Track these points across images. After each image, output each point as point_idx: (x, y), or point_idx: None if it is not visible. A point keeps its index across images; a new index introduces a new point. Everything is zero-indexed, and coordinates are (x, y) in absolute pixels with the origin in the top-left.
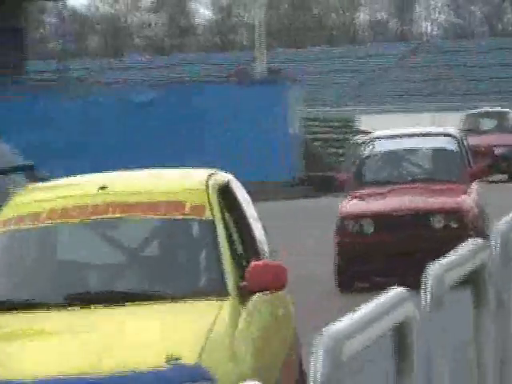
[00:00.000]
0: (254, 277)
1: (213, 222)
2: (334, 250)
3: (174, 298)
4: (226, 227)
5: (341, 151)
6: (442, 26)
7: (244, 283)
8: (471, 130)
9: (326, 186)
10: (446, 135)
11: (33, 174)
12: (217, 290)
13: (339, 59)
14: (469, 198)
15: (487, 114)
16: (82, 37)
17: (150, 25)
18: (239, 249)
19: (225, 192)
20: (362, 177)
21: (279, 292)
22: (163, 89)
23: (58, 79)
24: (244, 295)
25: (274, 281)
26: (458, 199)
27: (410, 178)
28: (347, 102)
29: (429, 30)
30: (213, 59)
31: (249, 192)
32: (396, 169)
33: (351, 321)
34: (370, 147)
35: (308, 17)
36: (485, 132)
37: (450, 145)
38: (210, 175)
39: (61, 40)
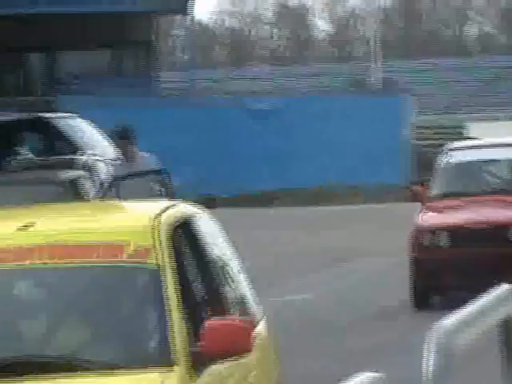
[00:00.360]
0: (209, 339)
1: (158, 270)
2: (409, 264)
3: (103, 368)
4: (180, 276)
5: None
6: None
7: (199, 348)
8: None
9: None
10: None
11: (161, 178)
12: (160, 358)
13: (450, 70)
14: None
15: None
16: (208, 48)
17: (272, 37)
18: (197, 303)
19: (183, 231)
20: (438, 188)
21: (254, 355)
22: (284, 98)
23: (185, 88)
24: (199, 363)
25: (233, 344)
26: None
27: (488, 190)
28: (457, 110)
29: None
30: (330, 71)
31: (362, 195)
32: (474, 180)
33: (460, 316)
34: (447, 158)
35: (420, 30)
36: None
37: None
38: (163, 210)
39: (188, 52)
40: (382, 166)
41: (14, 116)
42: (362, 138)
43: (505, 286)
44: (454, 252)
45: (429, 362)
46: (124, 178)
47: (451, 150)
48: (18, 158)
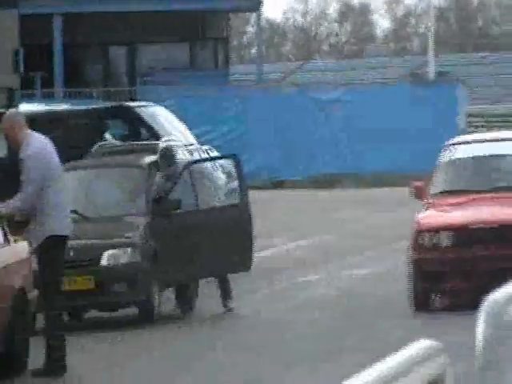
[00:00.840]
0: None
1: None
2: (408, 265)
3: None
4: None
5: None
6: None
7: None
8: None
9: None
10: None
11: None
12: None
13: (501, 63)
14: None
15: None
16: (277, 43)
17: (336, 34)
18: None
19: None
20: (440, 185)
21: None
22: (346, 89)
23: (256, 80)
24: None
25: None
26: None
27: (493, 187)
28: (508, 100)
29: None
30: (390, 63)
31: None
32: (478, 177)
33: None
34: (450, 153)
35: (473, 27)
36: None
37: None
38: None
39: (258, 47)
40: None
41: (99, 105)
42: (419, 127)
43: None
44: (457, 253)
45: (480, 330)
46: (197, 162)
47: (454, 144)
48: (103, 143)
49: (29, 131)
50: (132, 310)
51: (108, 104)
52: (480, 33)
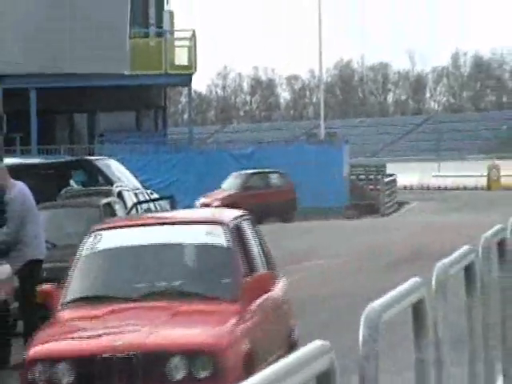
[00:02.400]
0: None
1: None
2: None
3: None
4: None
5: (376, 187)
6: (443, 104)
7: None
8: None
9: (366, 210)
10: (211, 222)
11: (173, 202)
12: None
13: (375, 126)
14: (238, 325)
15: None
16: (203, 110)
17: (249, 103)
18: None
19: None
20: (74, 289)
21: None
22: (257, 146)
23: (188, 140)
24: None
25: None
26: (215, 329)
27: (143, 293)
28: (379, 154)
29: (436, 107)
30: (290, 126)
31: (312, 214)
32: (124, 277)
33: (387, 298)
34: (92, 243)
35: (354, 97)
36: None
37: (215, 238)
38: None
39: (188, 113)
40: (330, 193)
41: (66, 158)
42: (312, 175)
43: (415, 279)
44: None
45: (361, 332)
46: (142, 202)
47: (100, 230)
48: (68, 188)
49: (12, 180)
50: None
51: (72, 158)
52: (359, 102)
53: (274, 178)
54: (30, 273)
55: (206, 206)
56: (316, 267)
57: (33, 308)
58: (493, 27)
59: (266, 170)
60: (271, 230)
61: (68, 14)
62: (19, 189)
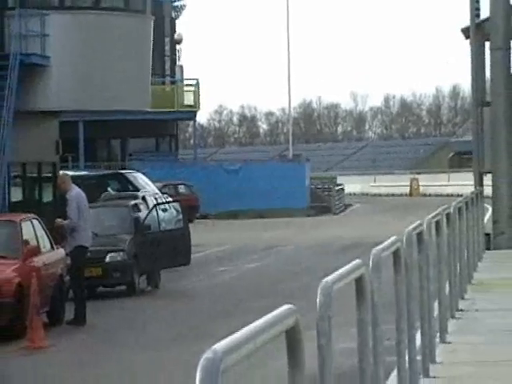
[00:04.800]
0: None
1: None
2: None
3: None
4: None
5: (329, 193)
6: (378, 134)
7: None
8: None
9: (322, 210)
10: (9, 221)
11: (180, 204)
12: None
13: (328, 149)
14: (15, 270)
15: None
16: (204, 137)
17: (238, 132)
18: None
19: None
20: None
21: None
22: (244, 163)
23: (193, 158)
24: None
25: None
26: (4, 271)
27: None
28: (332, 170)
29: (373, 135)
30: (268, 149)
31: (282, 213)
32: None
33: (337, 274)
34: None
35: (314, 128)
36: None
37: (12, 229)
38: None
39: (193, 139)
40: (296, 198)
41: (104, 172)
42: (284, 185)
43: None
44: None
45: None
46: (160, 203)
47: None
48: (106, 193)
49: (72, 185)
50: (122, 288)
51: (109, 171)
52: (317, 132)
53: (181, 189)
54: (79, 254)
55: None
56: (287, 251)
57: (79, 280)
58: (414, 74)
59: (175, 182)
60: (253, 224)
61: (109, 67)
62: (76, 192)
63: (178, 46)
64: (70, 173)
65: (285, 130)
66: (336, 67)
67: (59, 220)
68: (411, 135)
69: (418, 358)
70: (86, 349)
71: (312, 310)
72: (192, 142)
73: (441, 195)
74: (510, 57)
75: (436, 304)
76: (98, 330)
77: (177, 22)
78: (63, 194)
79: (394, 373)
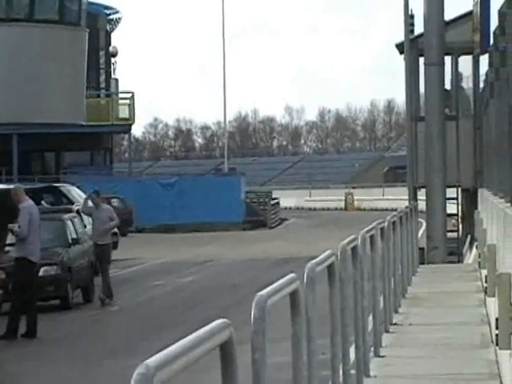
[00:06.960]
0: None
1: None
2: None
3: None
4: None
5: (264, 207)
6: (313, 148)
7: None
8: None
9: (258, 224)
10: None
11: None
12: None
13: (264, 163)
14: None
15: None
16: (139, 151)
17: (174, 146)
18: None
19: None
20: None
21: None
22: (179, 177)
23: (128, 172)
24: None
25: None
26: None
27: None
28: (267, 184)
29: (308, 150)
30: (203, 162)
31: (217, 227)
32: None
33: (272, 288)
34: None
35: (249, 143)
36: None
37: None
38: None
39: (128, 153)
40: (231, 212)
41: (38, 185)
42: (219, 198)
43: (291, 274)
44: None
45: None
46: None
47: None
48: (40, 206)
49: (25, 197)
50: (56, 302)
51: (43, 185)
52: (253, 146)
53: (115, 202)
54: (22, 269)
55: None
56: (222, 265)
57: (26, 295)
58: (349, 89)
59: (108, 196)
60: (189, 238)
61: (43, 79)
62: (29, 204)
63: (113, 59)
64: (3, 186)
65: (220, 143)
66: (271, 81)
67: (11, 225)
68: (346, 150)
69: (353, 371)
70: (16, 364)
71: (247, 324)
72: (127, 155)
73: (376, 209)
74: (443, 72)
75: (370, 318)
76: (29, 344)
77: (112, 34)
78: (16, 205)
79: None
